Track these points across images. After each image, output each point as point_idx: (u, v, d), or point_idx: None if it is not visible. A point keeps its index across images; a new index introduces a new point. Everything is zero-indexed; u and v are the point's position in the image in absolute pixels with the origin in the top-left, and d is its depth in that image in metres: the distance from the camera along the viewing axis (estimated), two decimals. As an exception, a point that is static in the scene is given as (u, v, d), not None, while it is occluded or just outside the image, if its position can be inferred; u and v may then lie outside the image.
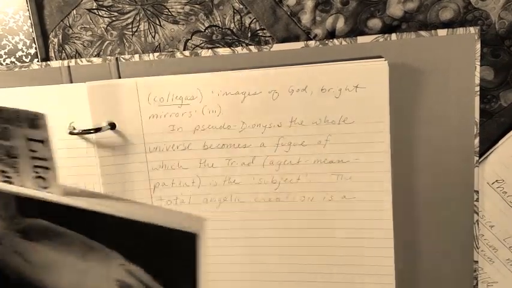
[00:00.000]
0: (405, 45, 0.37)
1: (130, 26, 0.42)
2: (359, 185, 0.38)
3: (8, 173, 0.32)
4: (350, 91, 0.37)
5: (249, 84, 0.38)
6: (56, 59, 0.44)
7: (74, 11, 0.42)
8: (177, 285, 0.30)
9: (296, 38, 0.40)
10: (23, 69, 0.42)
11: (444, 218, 0.39)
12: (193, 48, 0.42)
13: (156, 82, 0.39)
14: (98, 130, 0.39)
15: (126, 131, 0.40)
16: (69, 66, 0.42)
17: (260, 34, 0.40)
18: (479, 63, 0.37)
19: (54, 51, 0.43)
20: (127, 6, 0.42)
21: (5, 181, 0.32)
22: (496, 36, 0.37)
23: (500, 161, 0.39)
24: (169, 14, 0.41)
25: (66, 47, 0.43)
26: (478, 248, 0.40)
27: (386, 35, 0.37)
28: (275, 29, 0.40)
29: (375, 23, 0.39)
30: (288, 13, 0.40)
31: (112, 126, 0.40)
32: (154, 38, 0.42)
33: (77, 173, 0.41)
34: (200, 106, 0.39)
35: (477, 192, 0.39)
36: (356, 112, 0.37)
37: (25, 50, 0.43)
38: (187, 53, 0.40)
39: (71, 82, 0.42)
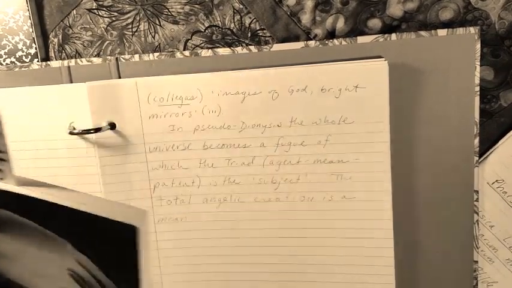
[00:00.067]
0: (405, 45, 0.37)
1: (130, 26, 0.42)
2: (359, 185, 0.38)
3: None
4: (350, 91, 0.37)
5: (249, 84, 0.38)
6: (56, 59, 0.44)
7: (74, 11, 0.42)
8: (119, 275, 0.31)
9: (296, 38, 0.40)
10: (23, 69, 0.42)
11: (444, 218, 0.39)
12: (193, 48, 0.42)
13: (156, 82, 0.39)
14: (98, 130, 0.39)
15: (126, 131, 0.40)
16: (69, 66, 0.42)
17: (260, 34, 0.40)
18: (479, 63, 0.37)
19: (54, 51, 0.43)
20: (127, 6, 0.42)
21: None
22: (496, 36, 0.37)
23: (500, 161, 0.39)
24: (169, 14, 0.41)
25: (66, 47, 0.43)
26: (478, 248, 0.40)
27: (386, 35, 0.37)
28: (275, 29, 0.40)
29: (375, 23, 0.39)
30: (288, 13, 0.40)
31: (112, 126, 0.40)
32: (154, 38, 0.42)
33: (77, 173, 0.41)
34: (200, 106, 0.39)
35: (477, 192, 0.39)
36: (356, 112, 0.37)
37: (25, 50, 0.43)
38: (187, 53, 0.40)
39: (71, 82, 0.42)
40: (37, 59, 0.43)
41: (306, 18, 0.39)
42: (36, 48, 0.43)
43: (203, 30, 0.41)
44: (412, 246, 0.40)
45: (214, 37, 0.41)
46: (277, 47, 0.39)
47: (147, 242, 0.30)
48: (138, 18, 0.42)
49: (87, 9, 0.42)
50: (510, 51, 0.37)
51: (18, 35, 0.43)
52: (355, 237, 0.39)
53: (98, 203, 0.33)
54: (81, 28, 0.43)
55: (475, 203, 0.39)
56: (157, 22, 0.42)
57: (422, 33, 0.37)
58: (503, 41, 0.37)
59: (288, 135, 0.38)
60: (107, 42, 0.43)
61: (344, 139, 0.38)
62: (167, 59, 0.40)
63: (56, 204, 0.31)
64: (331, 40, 0.38)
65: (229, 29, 0.41)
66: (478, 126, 0.37)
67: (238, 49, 0.39)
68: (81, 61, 0.42)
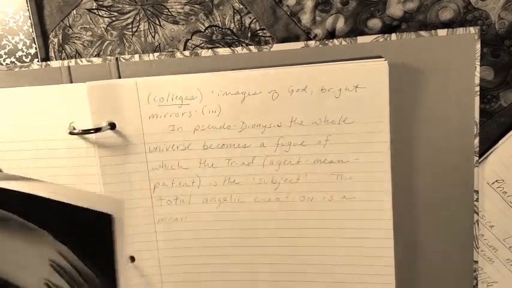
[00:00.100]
0: (405, 45, 0.37)
1: (130, 26, 0.42)
2: (359, 185, 0.38)
3: None
4: (350, 91, 0.37)
5: (249, 84, 0.38)
6: (56, 59, 0.44)
7: (74, 11, 0.42)
8: (95, 263, 0.32)
9: (296, 38, 0.40)
10: (23, 69, 0.42)
11: (444, 218, 0.39)
12: (193, 48, 0.42)
13: (156, 82, 0.39)
14: (98, 130, 0.39)
15: (126, 131, 0.40)
16: (69, 66, 0.42)
17: (260, 34, 0.40)
18: (479, 63, 0.37)
19: (54, 51, 0.43)
20: (127, 6, 0.42)
21: None
22: (496, 36, 0.37)
23: (500, 161, 0.39)
24: (169, 14, 0.41)
25: (66, 47, 0.43)
26: (478, 248, 0.40)
27: (386, 35, 0.37)
28: (275, 29, 0.40)
29: (375, 23, 0.39)
30: (288, 13, 0.40)
31: (112, 126, 0.40)
32: (154, 38, 0.42)
33: (77, 173, 0.41)
34: (200, 106, 0.39)
35: (477, 192, 0.39)
36: (356, 112, 0.37)
37: (25, 50, 0.43)
38: (187, 53, 0.40)
39: (71, 82, 0.42)
40: (37, 59, 0.43)
41: (306, 18, 0.39)
42: (36, 48, 0.43)
43: (203, 30, 0.41)
44: (412, 246, 0.40)
45: (214, 37, 0.41)
46: (277, 47, 0.39)
47: (121, 231, 0.31)
48: (138, 18, 0.42)
49: (87, 9, 0.42)
50: (510, 51, 0.37)
51: (18, 35, 0.43)
52: (355, 237, 0.39)
53: (75, 193, 0.34)
54: (81, 28, 0.43)
55: (475, 203, 0.39)
56: (157, 22, 0.42)
57: (422, 33, 0.37)
58: (503, 41, 0.37)
59: (288, 135, 0.38)
60: (107, 42, 0.43)
61: (344, 139, 0.38)
62: (167, 59, 0.40)
63: (35, 195, 0.32)
64: (331, 40, 0.38)
65: (229, 29, 0.41)
66: (478, 126, 0.37)
67: (238, 49, 0.39)
68: (81, 61, 0.42)
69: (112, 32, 0.42)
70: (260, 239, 0.41)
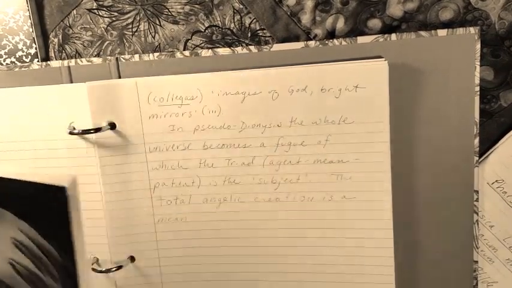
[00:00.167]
0: (405, 45, 0.37)
1: (130, 26, 0.42)
2: (359, 185, 0.38)
3: None
4: (350, 91, 0.37)
5: (249, 84, 0.38)
6: (56, 59, 0.44)
7: (74, 11, 0.42)
8: (55, 238, 0.33)
9: (296, 38, 0.40)
10: (23, 69, 0.42)
11: (444, 218, 0.39)
12: (193, 48, 0.42)
13: (156, 82, 0.39)
14: (98, 130, 0.39)
15: (126, 131, 0.40)
16: (69, 66, 0.42)
17: (260, 34, 0.40)
18: (479, 63, 0.37)
19: (54, 51, 0.44)
20: (127, 6, 0.42)
21: None
22: (496, 36, 0.37)
23: (500, 161, 0.39)
24: (169, 14, 0.41)
25: (66, 47, 0.43)
26: (478, 248, 0.40)
27: (386, 35, 0.37)
28: (275, 29, 0.40)
29: (375, 23, 0.39)
30: (288, 13, 0.40)
31: (112, 126, 0.40)
32: (154, 38, 0.42)
33: (77, 173, 0.41)
34: (200, 106, 0.39)
35: (477, 192, 0.39)
36: (356, 112, 0.37)
37: (25, 50, 0.43)
38: (187, 53, 0.40)
39: (71, 82, 0.42)
40: (37, 59, 0.43)
41: (306, 18, 0.39)
42: (36, 48, 0.43)
43: (203, 30, 0.41)
44: (412, 246, 0.40)
45: (214, 37, 0.41)
46: (277, 47, 0.39)
47: (76, 205, 0.31)
48: (138, 18, 0.42)
49: (87, 9, 0.42)
50: (510, 52, 0.37)
51: (18, 35, 0.43)
52: (355, 237, 0.39)
53: (30, 172, 0.34)
54: (81, 28, 0.43)
55: (475, 203, 0.39)
56: (158, 22, 0.42)
57: (422, 33, 0.37)
58: (503, 41, 0.37)
59: (288, 135, 0.38)
60: (107, 42, 0.43)
61: (344, 139, 0.38)
62: (167, 59, 0.40)
63: None
64: (331, 40, 0.38)
65: (229, 29, 0.41)
66: (478, 126, 0.37)
67: (238, 49, 0.39)
68: (81, 61, 0.42)
69: (112, 32, 0.42)
70: (260, 239, 0.41)
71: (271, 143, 0.39)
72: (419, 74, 0.37)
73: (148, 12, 0.42)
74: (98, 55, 0.43)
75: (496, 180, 0.39)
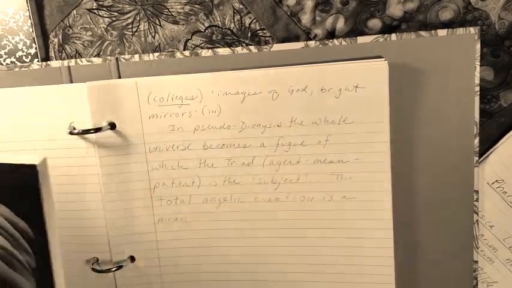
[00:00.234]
0: (405, 45, 0.37)
1: (130, 26, 0.42)
2: (359, 185, 0.38)
3: None
4: (350, 91, 0.37)
5: (249, 84, 0.38)
6: (56, 59, 0.44)
7: (74, 11, 0.43)
8: (28, 217, 0.33)
9: (296, 38, 0.40)
10: (23, 69, 0.42)
11: (444, 218, 0.39)
12: (193, 48, 0.42)
13: (156, 82, 0.39)
14: (98, 130, 0.39)
15: (126, 131, 0.40)
16: (69, 66, 0.42)
17: (260, 34, 0.40)
18: (479, 63, 0.37)
19: (54, 51, 0.44)
20: (127, 6, 0.42)
21: None
22: (496, 36, 0.37)
23: (500, 161, 0.39)
24: (169, 14, 0.41)
25: (66, 47, 0.43)
26: (478, 248, 0.40)
27: (386, 35, 0.37)
28: (275, 29, 0.40)
29: (375, 23, 0.39)
30: (288, 13, 0.40)
31: (112, 126, 0.40)
32: (154, 38, 0.42)
33: (77, 173, 0.41)
34: (200, 106, 0.39)
35: (477, 192, 0.39)
36: (356, 112, 0.37)
37: (25, 50, 0.43)
38: (187, 53, 0.40)
39: (71, 82, 0.42)
40: (37, 59, 0.43)
41: (306, 18, 0.39)
42: (36, 48, 0.43)
43: (203, 30, 0.41)
44: (412, 246, 0.40)
45: (214, 37, 0.41)
46: (277, 47, 0.39)
47: (47, 183, 0.32)
48: (138, 18, 0.42)
49: (87, 9, 0.42)
50: (510, 52, 0.37)
51: (18, 35, 0.43)
52: (355, 237, 0.39)
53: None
54: (81, 28, 0.43)
55: (475, 203, 0.39)
56: (158, 22, 0.42)
57: (422, 33, 0.37)
58: (503, 41, 0.37)
59: (288, 135, 0.38)
60: (107, 42, 0.43)
61: (344, 139, 0.38)
62: (167, 59, 0.40)
63: None
64: (331, 40, 0.38)
65: (229, 29, 0.41)
66: (478, 126, 0.37)
67: (238, 49, 0.39)
68: (81, 61, 0.42)
69: (112, 32, 0.42)
70: (260, 239, 0.41)
71: (271, 143, 0.39)
72: (419, 74, 0.37)
73: (148, 12, 0.42)
74: (98, 55, 0.43)
75: (496, 180, 0.39)
